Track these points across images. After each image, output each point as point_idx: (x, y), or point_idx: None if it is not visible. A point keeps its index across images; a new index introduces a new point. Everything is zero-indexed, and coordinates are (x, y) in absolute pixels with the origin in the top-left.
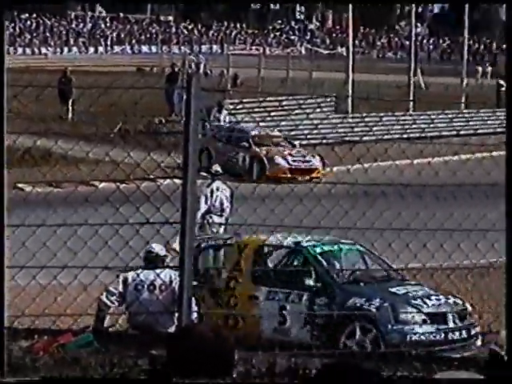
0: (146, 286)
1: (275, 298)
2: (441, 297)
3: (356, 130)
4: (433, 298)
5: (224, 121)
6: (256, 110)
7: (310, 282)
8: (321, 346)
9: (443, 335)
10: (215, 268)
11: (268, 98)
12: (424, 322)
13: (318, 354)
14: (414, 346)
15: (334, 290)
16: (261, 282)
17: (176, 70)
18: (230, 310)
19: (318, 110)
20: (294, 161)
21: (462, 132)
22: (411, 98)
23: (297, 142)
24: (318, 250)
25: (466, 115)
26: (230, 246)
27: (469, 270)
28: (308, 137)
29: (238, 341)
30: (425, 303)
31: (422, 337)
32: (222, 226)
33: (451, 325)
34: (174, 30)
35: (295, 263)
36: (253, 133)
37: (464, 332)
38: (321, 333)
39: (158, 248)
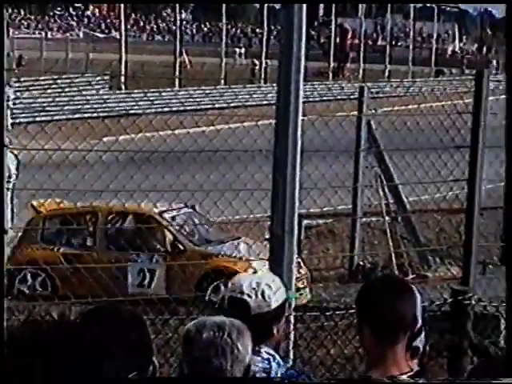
0: None
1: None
2: None
3: (123, 104)
4: None
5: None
6: (32, 87)
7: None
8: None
9: None
10: None
11: (43, 77)
12: None
13: None
14: None
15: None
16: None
17: None
18: None
19: (90, 87)
20: None
21: (216, 105)
22: (176, 76)
23: None
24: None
25: (221, 90)
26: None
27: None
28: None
29: None
30: None
31: None
32: (9, 191)
33: None
34: None
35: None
36: None
37: None
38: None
39: None
